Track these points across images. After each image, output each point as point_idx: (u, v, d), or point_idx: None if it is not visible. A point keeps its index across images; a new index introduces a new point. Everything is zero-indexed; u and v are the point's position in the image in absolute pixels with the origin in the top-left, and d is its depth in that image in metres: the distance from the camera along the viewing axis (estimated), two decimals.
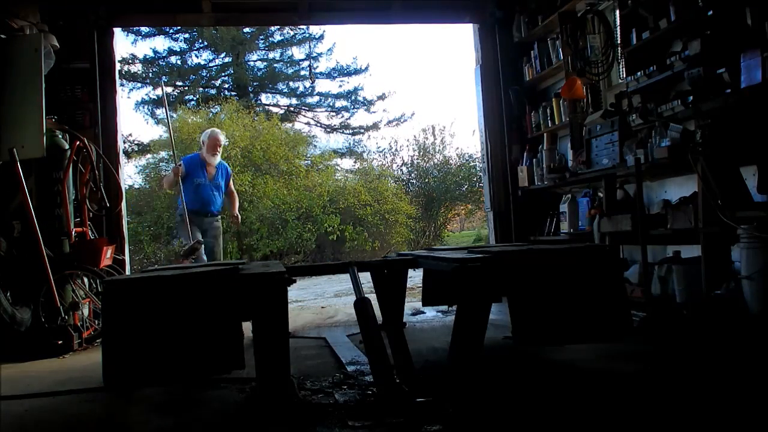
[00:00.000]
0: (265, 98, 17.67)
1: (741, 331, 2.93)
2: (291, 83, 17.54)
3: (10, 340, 3.60)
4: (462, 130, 34.50)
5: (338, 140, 17.44)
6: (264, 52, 17.41)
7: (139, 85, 16.49)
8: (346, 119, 17.85)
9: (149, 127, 21.53)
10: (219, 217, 5.64)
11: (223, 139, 5.70)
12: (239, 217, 5.94)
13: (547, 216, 5.47)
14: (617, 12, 4.40)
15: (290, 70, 17.39)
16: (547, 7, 5.25)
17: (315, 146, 14.25)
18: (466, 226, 18.41)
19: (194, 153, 6.09)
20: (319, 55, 17.42)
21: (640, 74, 3.98)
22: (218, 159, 5.55)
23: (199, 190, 5.39)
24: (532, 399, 2.20)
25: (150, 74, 16.68)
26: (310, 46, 16.95)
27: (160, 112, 16.18)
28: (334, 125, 17.82)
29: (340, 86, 17.66)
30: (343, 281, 7.27)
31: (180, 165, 5.44)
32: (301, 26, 15.38)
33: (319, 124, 17.81)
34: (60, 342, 3.68)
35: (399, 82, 34.72)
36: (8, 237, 3.80)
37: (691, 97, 3.52)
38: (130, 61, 15.88)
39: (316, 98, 17.79)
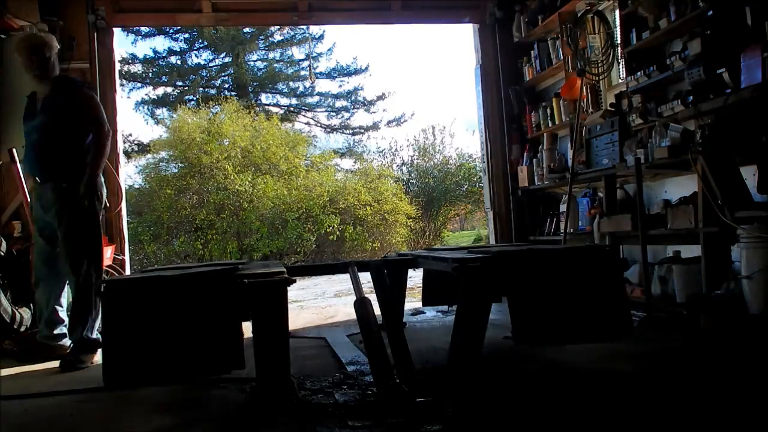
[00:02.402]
0: (265, 98, 17.70)
1: (741, 331, 2.93)
2: (291, 83, 17.56)
3: (10, 339, 3.61)
4: (462, 130, 34.54)
5: (338, 140, 17.46)
6: (264, 52, 17.43)
7: (139, 85, 16.52)
8: (346, 119, 17.88)
9: (149, 127, 21.64)
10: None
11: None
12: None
13: (547, 216, 5.48)
14: (617, 12, 4.40)
15: (290, 70, 17.40)
16: (547, 7, 5.25)
17: (315, 146, 14.29)
18: (466, 226, 18.41)
19: None
20: (319, 55, 17.45)
21: (640, 74, 3.98)
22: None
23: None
24: (531, 399, 2.20)
25: (150, 74, 16.69)
26: (310, 46, 16.96)
27: (160, 112, 16.21)
28: (334, 125, 17.84)
29: (340, 86, 17.70)
30: (343, 281, 7.26)
31: None
32: (301, 26, 15.38)
33: (319, 124, 17.83)
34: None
35: (399, 82, 34.78)
36: (8, 237, 3.80)
37: (691, 97, 3.52)
38: (130, 61, 15.90)
39: (316, 98, 17.82)
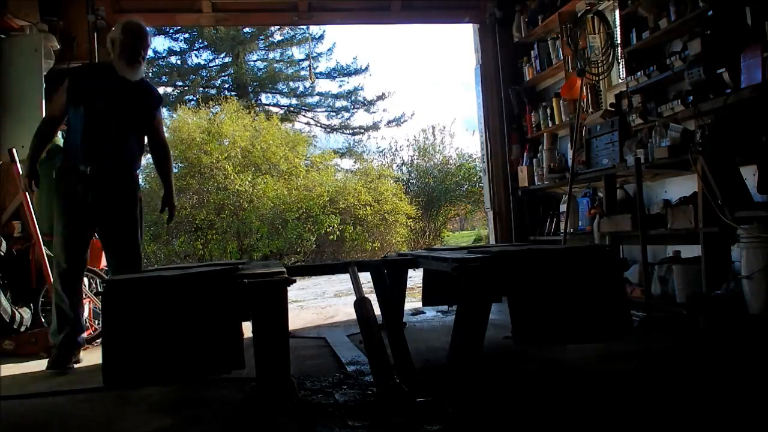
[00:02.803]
0: (265, 98, 17.70)
1: (741, 331, 2.93)
2: (291, 83, 17.57)
3: (10, 339, 3.61)
4: (462, 130, 34.58)
5: (338, 140, 17.48)
6: (264, 52, 17.44)
7: None
8: (346, 119, 17.90)
9: None
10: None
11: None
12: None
13: (547, 216, 5.48)
14: (617, 12, 4.40)
15: (290, 70, 17.41)
16: (547, 7, 5.25)
17: (315, 146, 14.29)
18: (466, 226, 18.42)
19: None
20: (319, 55, 17.46)
21: (640, 74, 3.98)
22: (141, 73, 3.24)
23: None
24: (531, 399, 2.20)
25: (150, 74, 16.68)
26: (310, 46, 16.97)
27: None
28: (334, 125, 17.85)
29: (340, 86, 17.71)
30: (343, 281, 7.27)
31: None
32: (301, 26, 15.38)
33: (319, 124, 17.84)
34: None
35: (399, 82, 34.85)
36: (8, 237, 3.80)
37: (691, 97, 3.52)
38: None
39: (316, 98, 17.83)
